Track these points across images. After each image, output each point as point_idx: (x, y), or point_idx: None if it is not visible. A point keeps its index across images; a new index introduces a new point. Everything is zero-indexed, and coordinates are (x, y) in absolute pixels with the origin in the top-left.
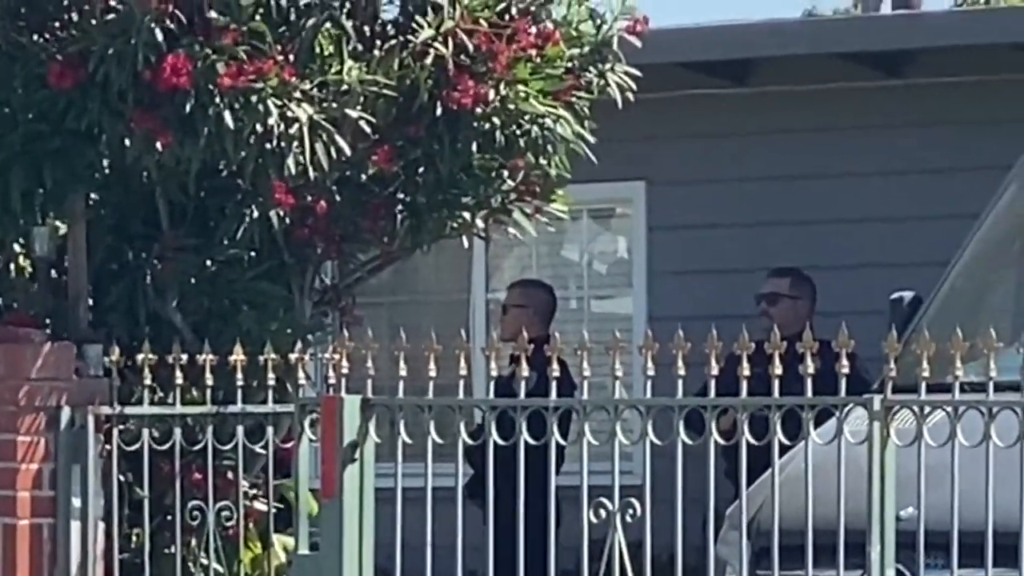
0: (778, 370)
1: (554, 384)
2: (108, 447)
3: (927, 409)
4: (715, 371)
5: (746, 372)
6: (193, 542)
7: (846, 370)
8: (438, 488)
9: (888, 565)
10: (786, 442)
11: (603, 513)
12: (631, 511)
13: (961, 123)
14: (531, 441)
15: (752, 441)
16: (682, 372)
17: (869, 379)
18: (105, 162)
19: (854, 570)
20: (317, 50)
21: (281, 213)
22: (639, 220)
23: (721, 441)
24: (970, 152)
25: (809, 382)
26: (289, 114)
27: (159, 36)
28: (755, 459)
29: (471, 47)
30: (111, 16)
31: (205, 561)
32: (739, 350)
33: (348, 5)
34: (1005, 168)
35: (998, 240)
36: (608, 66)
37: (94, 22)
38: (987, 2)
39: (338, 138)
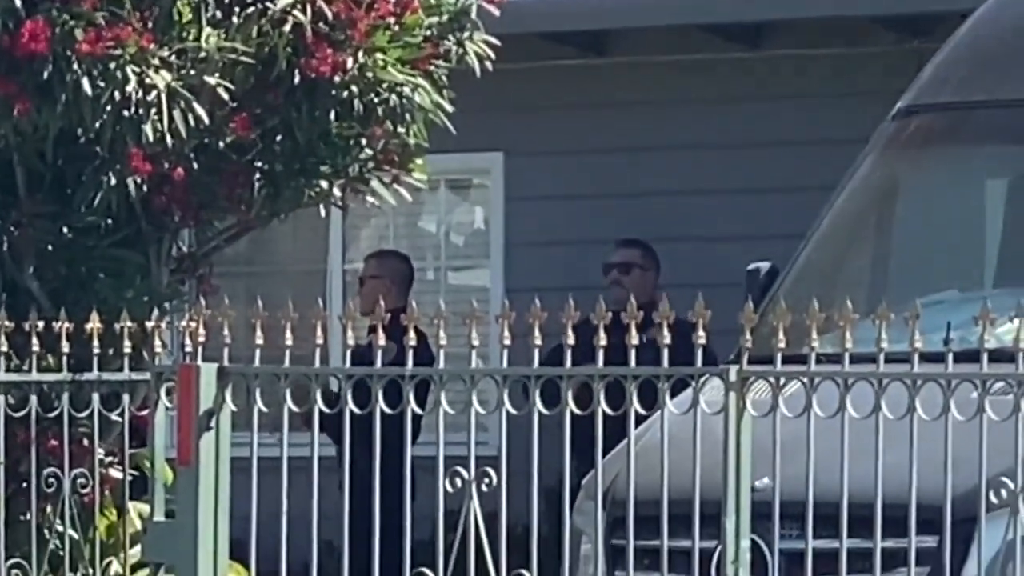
0: (634, 340)
1: (411, 354)
2: None
3: (783, 380)
4: (571, 340)
5: (603, 342)
6: (48, 509)
7: (703, 341)
8: (294, 458)
9: (743, 535)
10: (643, 412)
11: (459, 482)
12: (487, 480)
13: (818, 95)
14: (387, 410)
15: (608, 411)
16: (538, 342)
17: (713, 353)
18: None
19: (709, 540)
20: (175, 17)
21: (139, 180)
22: (497, 191)
23: (576, 411)
24: (827, 124)
25: (665, 352)
26: (147, 81)
27: (17, 1)
28: (611, 430)
29: (329, 15)
30: None
31: (60, 528)
32: (596, 319)
33: None
34: (862, 141)
35: (855, 212)
36: (467, 35)
37: None
38: None
39: (196, 105)
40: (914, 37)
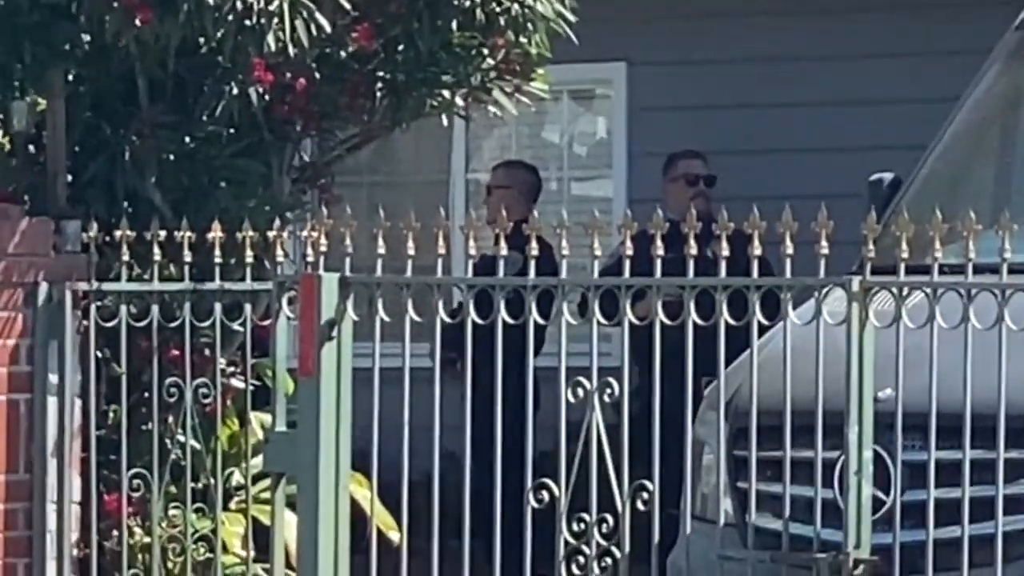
0: (757, 251)
1: (533, 264)
2: (86, 323)
3: (906, 290)
4: (694, 251)
5: (725, 253)
6: (170, 419)
7: (825, 251)
8: (416, 368)
9: (866, 446)
10: (765, 323)
11: (581, 393)
12: (608, 391)
13: (940, 5)
14: (509, 320)
15: (731, 321)
16: (661, 252)
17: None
18: (85, 37)
19: (832, 451)
20: None
21: (260, 90)
22: (620, 101)
23: (699, 321)
24: (949, 35)
25: (788, 264)
26: None
27: None
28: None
29: None
30: None
31: (182, 438)
32: (718, 230)
33: None
34: (986, 51)
35: (978, 122)
36: None
37: None
38: None
39: (318, 15)
40: None
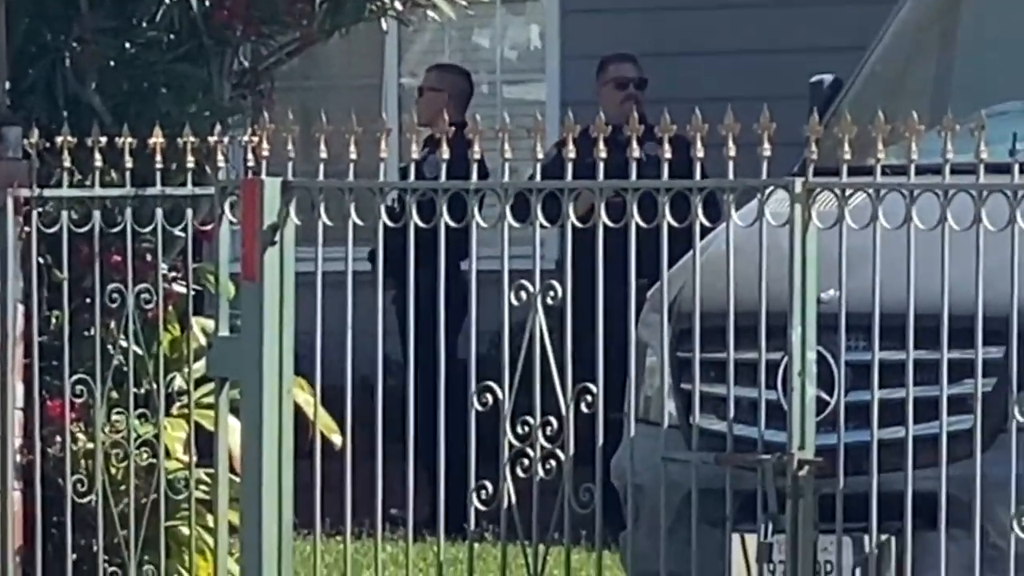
0: (699, 153)
1: (475, 167)
2: (27, 229)
3: (848, 191)
4: (636, 153)
5: (667, 155)
6: (112, 324)
7: (768, 153)
8: (358, 272)
9: (809, 347)
10: (707, 224)
11: (524, 296)
12: (551, 293)
13: None
14: (452, 224)
15: (673, 223)
16: (603, 155)
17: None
18: None
19: (775, 352)
20: None
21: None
22: (552, 4)
23: (641, 224)
24: None
25: (730, 165)
26: None
27: None
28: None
29: None
30: None
31: (124, 343)
32: (660, 132)
33: None
34: None
35: (918, 22)
36: None
37: None
38: None
39: None
40: None
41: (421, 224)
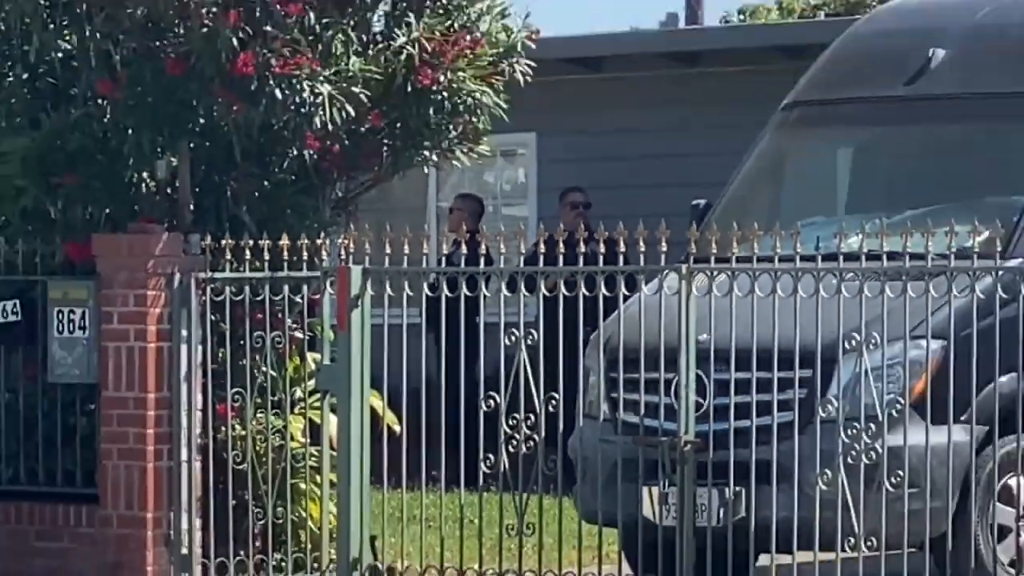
0: (621, 249)
1: (483, 259)
2: (204, 298)
3: (715, 273)
4: (562, 249)
5: (602, 251)
6: (257, 358)
7: (664, 250)
8: (411, 324)
9: (691, 370)
10: (626, 294)
11: (512, 338)
12: (530, 337)
13: (737, 98)
14: (468, 293)
15: (607, 294)
16: (542, 250)
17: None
18: (201, 120)
19: (670, 373)
20: (333, 50)
21: (311, 152)
22: (532, 157)
23: (586, 292)
24: (740, 112)
25: (641, 257)
26: (316, 90)
27: (234, 42)
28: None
29: (429, 48)
30: (205, 29)
31: (265, 369)
32: (618, 236)
33: (352, 22)
34: (763, 124)
35: (758, 167)
36: (515, 60)
37: (194, 32)
38: (746, 18)
39: (347, 106)
40: (793, 60)
41: (448, 293)
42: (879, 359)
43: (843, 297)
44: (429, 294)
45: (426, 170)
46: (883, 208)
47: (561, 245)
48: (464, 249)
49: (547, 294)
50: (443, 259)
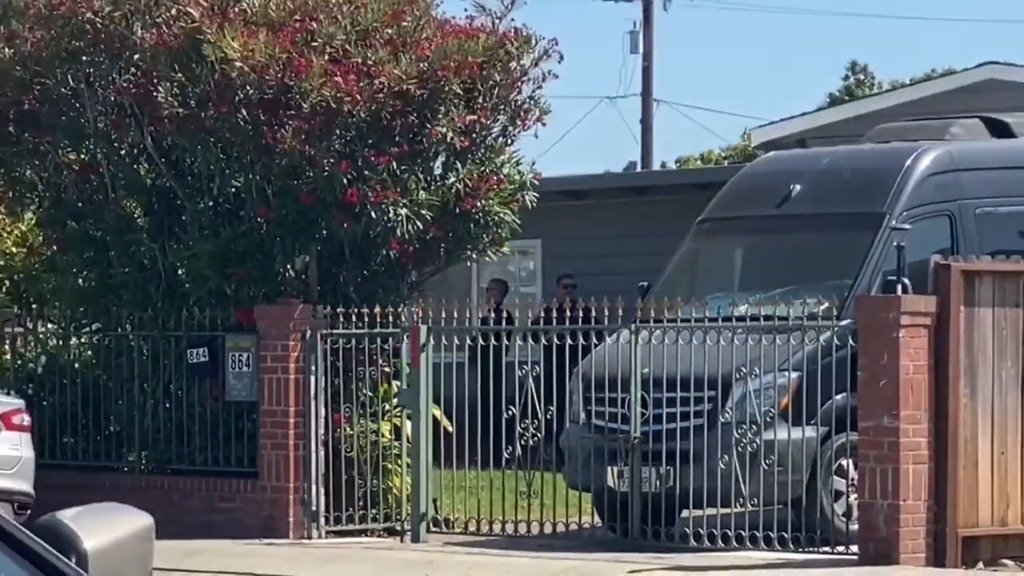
0: (582, 315)
1: (505, 320)
2: (325, 346)
3: (654, 329)
4: (568, 314)
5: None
6: (360, 384)
7: (621, 316)
8: (459, 363)
9: (639, 390)
10: (596, 343)
11: (524, 371)
12: (535, 370)
13: (673, 217)
14: (496, 343)
15: (584, 343)
16: (542, 315)
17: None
18: (324, 232)
19: (624, 393)
20: (409, 186)
21: (394, 252)
22: (538, 255)
23: (573, 343)
24: (674, 227)
25: (605, 318)
26: (397, 212)
27: (345, 181)
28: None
29: (471, 184)
30: (326, 173)
31: (365, 391)
32: (593, 306)
33: (420, 168)
34: (686, 232)
35: (682, 260)
36: (526, 192)
37: (319, 175)
38: (679, 164)
39: (417, 222)
40: (706, 191)
41: (483, 343)
42: (758, 384)
43: (735, 345)
44: (471, 344)
45: (468, 264)
46: (761, 287)
47: (555, 312)
48: (493, 315)
49: (547, 343)
50: (481, 321)
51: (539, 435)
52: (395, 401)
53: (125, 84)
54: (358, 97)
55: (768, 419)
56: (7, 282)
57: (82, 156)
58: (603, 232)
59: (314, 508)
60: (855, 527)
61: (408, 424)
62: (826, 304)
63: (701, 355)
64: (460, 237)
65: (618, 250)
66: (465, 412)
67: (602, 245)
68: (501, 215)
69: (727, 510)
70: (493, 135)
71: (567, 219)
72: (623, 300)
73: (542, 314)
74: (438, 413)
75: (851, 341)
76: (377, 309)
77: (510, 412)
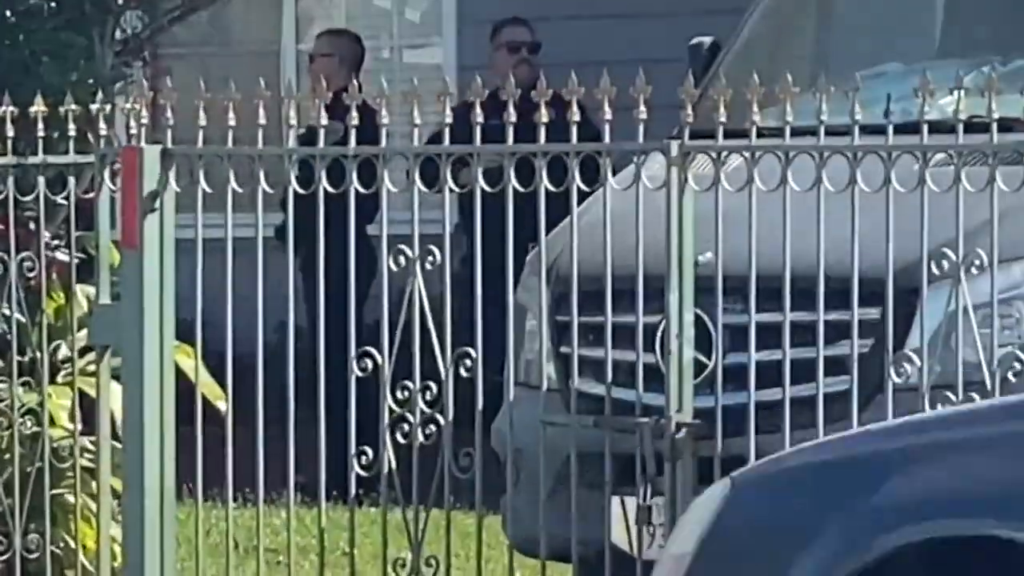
0: (575, 117)
1: (353, 132)
2: None
3: (724, 154)
4: (513, 118)
5: (545, 119)
6: None
7: (644, 116)
8: (239, 238)
9: (687, 310)
10: (585, 188)
11: (403, 261)
12: (431, 259)
13: None
14: (331, 190)
15: (551, 188)
16: (480, 120)
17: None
18: None
19: (652, 315)
20: None
21: None
22: None
23: (519, 188)
24: None
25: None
26: None
27: None
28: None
29: None
30: None
31: (7, 311)
32: (537, 97)
33: None
34: None
35: None
36: None
37: None
38: None
39: None
40: None
41: (300, 190)
42: (986, 289)
43: (929, 192)
44: (268, 190)
45: None
46: (993, 50)
47: (478, 110)
48: (326, 119)
49: (457, 190)
50: (299, 136)
51: (440, 419)
52: (85, 337)
53: None
54: None
55: (1012, 377)
56: None
57: None
58: None
59: None
60: None
61: (117, 392)
62: None
63: (843, 219)
64: None
65: None
66: (258, 366)
67: None
68: None
69: None
70: None
71: None
72: (647, 83)
73: (450, 119)
74: (190, 364)
75: None
76: (38, 107)
77: (367, 364)
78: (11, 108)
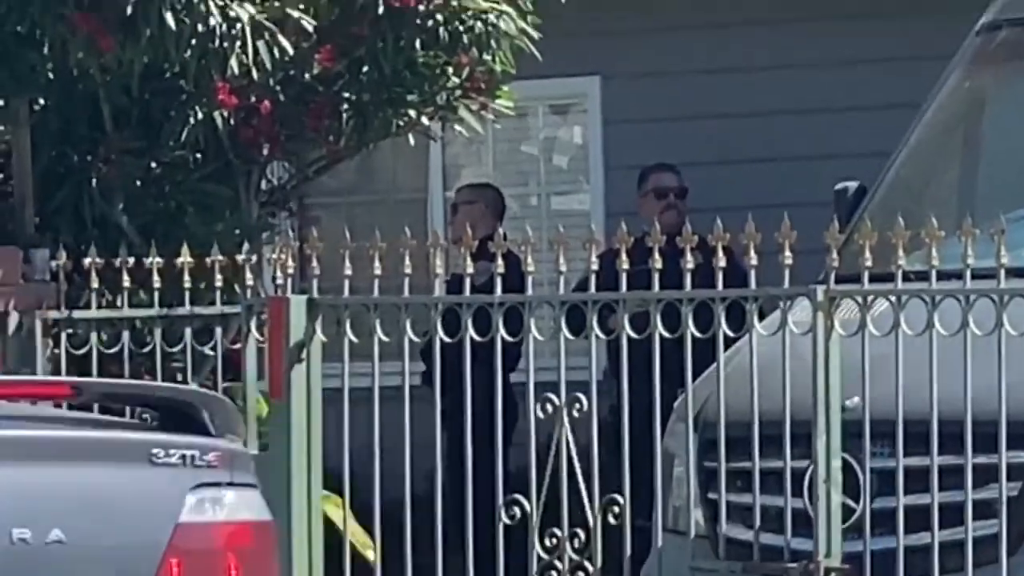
0: (722, 263)
1: (499, 280)
2: (56, 351)
3: (870, 299)
4: (659, 264)
5: (690, 266)
6: None
7: (789, 262)
8: (386, 387)
9: (834, 455)
10: (731, 334)
11: (550, 408)
12: (577, 406)
13: (901, 11)
14: (477, 338)
15: (696, 334)
16: (626, 266)
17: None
18: (48, 65)
19: (800, 460)
20: None
21: (225, 114)
22: (594, 114)
23: (666, 334)
24: (911, 40)
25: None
26: (231, 14)
27: None
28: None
29: None
30: None
31: None
32: (682, 243)
33: None
34: (947, 56)
35: (941, 128)
36: None
37: None
38: None
39: (280, 37)
40: None
41: (446, 339)
42: None
43: None
44: (415, 339)
45: (412, 141)
46: None
47: (624, 257)
48: (470, 267)
49: (603, 336)
50: (445, 283)
51: (589, 568)
52: None
53: None
54: None
55: None
56: None
57: None
58: (744, 57)
59: None
60: None
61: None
62: None
63: (990, 362)
64: (389, 76)
65: (782, 103)
66: (406, 515)
67: (744, 89)
68: (491, 17)
69: None
70: None
71: (660, 30)
72: (788, 227)
73: (596, 266)
74: (338, 514)
75: None
76: (184, 258)
77: (515, 512)
78: (157, 259)
